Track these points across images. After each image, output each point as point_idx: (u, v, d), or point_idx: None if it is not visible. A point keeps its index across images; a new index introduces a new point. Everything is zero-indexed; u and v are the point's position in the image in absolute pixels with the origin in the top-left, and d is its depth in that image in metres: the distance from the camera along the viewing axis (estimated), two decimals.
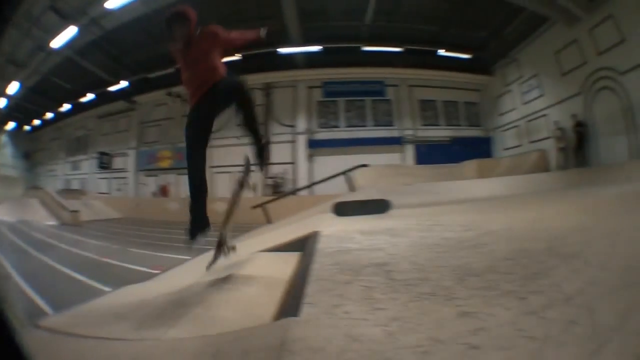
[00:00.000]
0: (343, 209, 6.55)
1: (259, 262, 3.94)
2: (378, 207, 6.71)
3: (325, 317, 1.81)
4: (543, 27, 19.37)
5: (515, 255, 2.70)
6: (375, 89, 23.34)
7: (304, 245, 3.95)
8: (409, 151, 23.20)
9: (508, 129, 23.31)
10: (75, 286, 6.92)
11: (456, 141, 23.73)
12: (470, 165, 19.94)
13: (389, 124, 23.33)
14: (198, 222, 3.74)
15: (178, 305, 2.75)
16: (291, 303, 2.13)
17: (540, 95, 20.47)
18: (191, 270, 4.76)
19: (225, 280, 3.18)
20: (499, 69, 23.63)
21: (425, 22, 19.60)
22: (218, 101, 3.87)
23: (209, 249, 4.09)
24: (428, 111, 24.01)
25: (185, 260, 6.55)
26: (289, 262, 3.60)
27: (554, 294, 1.88)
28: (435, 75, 23.35)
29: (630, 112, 15.00)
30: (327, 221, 5.65)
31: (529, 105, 21.42)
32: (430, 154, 22.64)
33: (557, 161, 18.38)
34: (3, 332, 1.52)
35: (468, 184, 12.63)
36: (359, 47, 20.59)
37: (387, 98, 23.49)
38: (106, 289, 5.72)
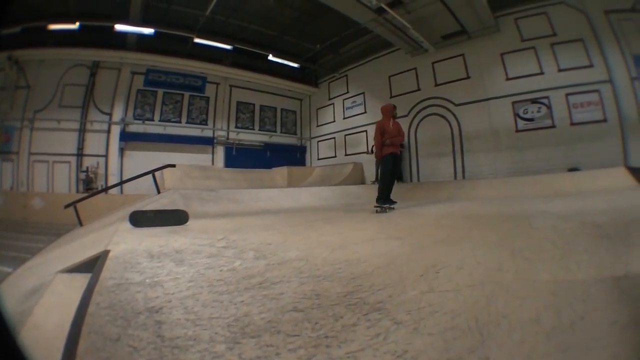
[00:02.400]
0: (139, 219, 5.82)
1: (57, 288, 3.15)
2: (175, 218, 6.15)
3: None
4: (383, 51, 20.22)
5: (307, 304, 2.12)
6: (196, 84, 21.67)
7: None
8: (220, 153, 22.19)
9: (325, 140, 23.98)
10: None
11: (269, 147, 23.56)
12: (281, 171, 19.87)
13: (203, 122, 21.82)
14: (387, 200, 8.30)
15: None
16: None
17: (363, 113, 21.52)
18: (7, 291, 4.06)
19: (27, 315, 2.56)
20: (325, 82, 24.28)
21: (264, 25, 18.87)
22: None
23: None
24: (245, 113, 23.23)
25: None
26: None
27: None
28: (259, 79, 22.87)
29: (459, 138, 16.87)
30: (121, 234, 4.90)
31: (349, 120, 22.31)
32: (242, 157, 22.10)
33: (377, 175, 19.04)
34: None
35: (275, 193, 12.01)
36: (192, 37, 18.83)
37: (206, 95, 22.08)
38: None
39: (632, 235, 3.61)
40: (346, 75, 22.63)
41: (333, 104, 23.53)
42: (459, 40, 16.91)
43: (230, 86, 22.56)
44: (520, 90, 15.34)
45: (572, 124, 14.27)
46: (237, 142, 22.46)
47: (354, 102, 22.01)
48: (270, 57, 21.00)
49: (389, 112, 9.46)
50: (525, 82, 15.25)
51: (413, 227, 5.23)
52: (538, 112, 14.97)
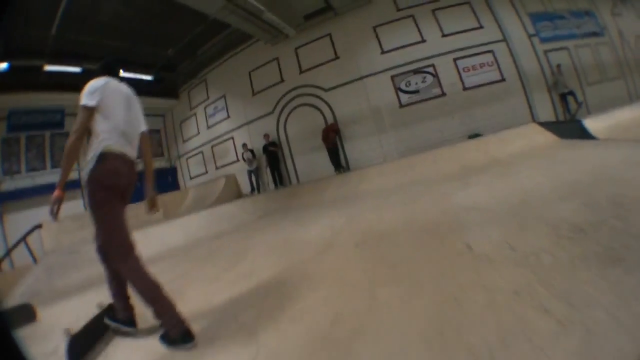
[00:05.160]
0: None
1: None
2: (21, 317, 4.60)
3: None
4: (242, 46, 18.45)
5: None
6: (55, 119, 18.77)
7: None
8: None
9: (193, 156, 21.51)
10: None
11: (138, 176, 20.52)
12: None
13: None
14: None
15: None
16: None
17: (226, 118, 19.31)
18: None
19: None
20: (185, 91, 21.86)
21: (114, 36, 16.55)
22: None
23: None
24: None
25: None
26: None
27: None
28: None
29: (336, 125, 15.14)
30: None
31: (213, 128, 20.05)
32: None
33: (253, 184, 16.95)
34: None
35: (141, 238, 9.66)
36: (42, 65, 16.16)
37: (66, 131, 18.74)
38: None
39: None
40: (205, 80, 20.50)
41: (195, 114, 21.20)
42: (324, 18, 15.34)
43: None
44: (399, 62, 14.17)
45: (465, 88, 13.56)
46: None
47: (216, 107, 19.85)
48: (123, 74, 18.31)
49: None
50: (404, 53, 14.13)
51: (281, 284, 3.42)
52: (423, 82, 13.90)
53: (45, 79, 17.02)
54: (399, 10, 14.41)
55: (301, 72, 16.10)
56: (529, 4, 13.89)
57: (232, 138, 18.46)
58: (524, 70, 13.30)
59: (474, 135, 12.41)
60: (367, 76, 14.64)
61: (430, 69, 13.78)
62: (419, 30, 14.11)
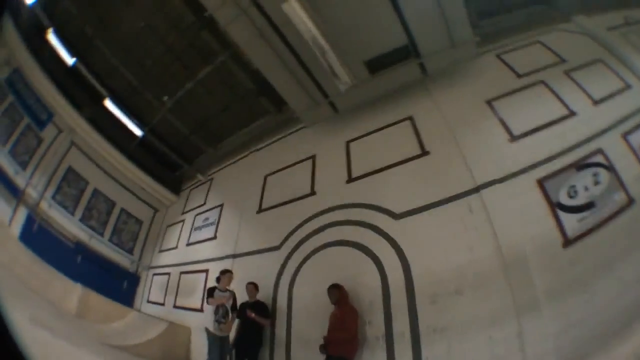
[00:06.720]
0: None
1: None
2: None
3: None
4: (269, 140, 13.51)
5: None
6: (40, 116, 15.42)
7: None
8: (21, 217, 13.92)
9: (160, 275, 15.11)
10: None
11: (83, 251, 15.07)
12: (75, 291, 12.46)
13: (23, 164, 14.77)
14: None
15: None
16: None
17: (212, 238, 13.14)
18: None
19: None
20: (188, 188, 16.91)
21: (126, 61, 14.15)
22: None
23: None
24: (71, 188, 15.80)
25: None
26: None
27: None
28: (113, 158, 16.02)
29: (407, 297, 7.60)
30: None
31: (193, 248, 14.07)
32: (41, 243, 13.92)
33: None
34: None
35: None
36: (47, 29, 13.83)
37: (42, 136, 15.40)
38: None
39: None
40: (211, 179, 15.52)
41: (183, 220, 15.63)
42: (400, 72, 9.46)
43: (72, 143, 15.96)
44: (546, 154, 7.69)
45: None
46: (44, 217, 15.01)
47: (206, 219, 14.28)
48: (108, 103, 14.94)
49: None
50: (548, 136, 7.97)
51: None
52: (596, 184, 7.39)
53: (45, 51, 14.76)
54: (520, 76, 9.31)
55: (350, 179, 9.73)
56: None
57: (207, 271, 12.21)
58: None
59: None
60: (486, 185, 7.69)
61: (599, 158, 7.54)
62: (560, 100, 8.59)
